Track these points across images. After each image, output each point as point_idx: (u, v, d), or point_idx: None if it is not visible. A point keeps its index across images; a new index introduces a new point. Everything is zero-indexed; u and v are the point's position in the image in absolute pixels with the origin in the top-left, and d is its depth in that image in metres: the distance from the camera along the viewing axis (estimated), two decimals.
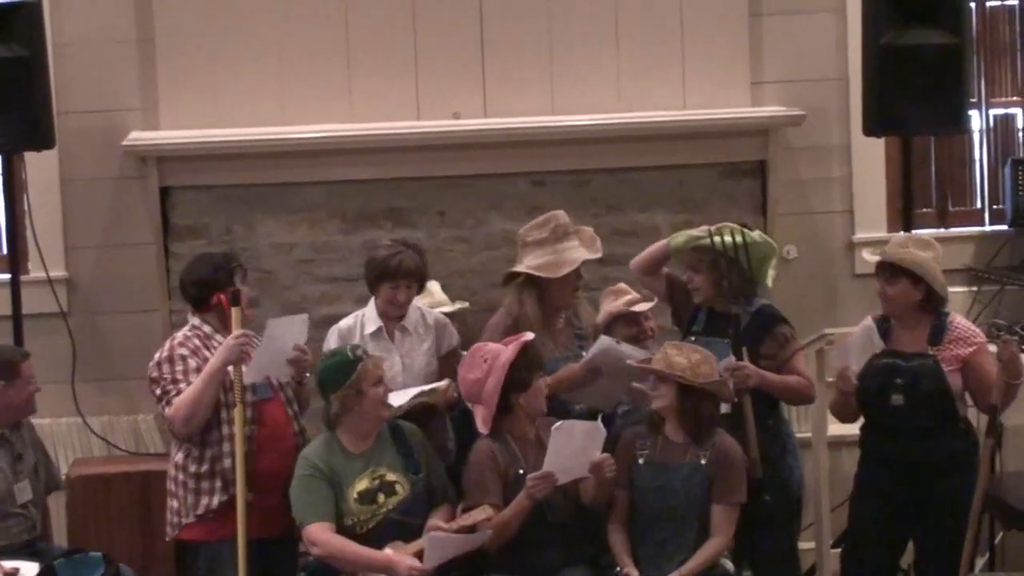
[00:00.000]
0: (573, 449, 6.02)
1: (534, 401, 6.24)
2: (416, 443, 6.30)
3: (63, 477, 7.36)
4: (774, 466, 6.44)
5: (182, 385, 6.29)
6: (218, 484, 6.32)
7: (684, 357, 6.16)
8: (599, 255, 6.74)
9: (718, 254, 6.44)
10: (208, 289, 6.40)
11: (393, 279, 6.58)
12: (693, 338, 6.46)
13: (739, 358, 6.32)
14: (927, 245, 6.49)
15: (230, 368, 6.23)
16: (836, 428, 7.32)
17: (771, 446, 6.46)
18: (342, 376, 6.12)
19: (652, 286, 6.80)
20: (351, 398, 6.13)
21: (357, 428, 6.19)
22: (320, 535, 6.05)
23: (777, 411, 6.58)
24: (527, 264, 6.60)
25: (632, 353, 6.44)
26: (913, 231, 7.46)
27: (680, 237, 6.57)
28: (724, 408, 6.31)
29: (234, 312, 6.27)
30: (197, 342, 6.39)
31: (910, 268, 6.35)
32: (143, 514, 7.28)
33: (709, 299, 6.54)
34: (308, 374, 6.43)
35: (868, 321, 6.53)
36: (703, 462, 6.17)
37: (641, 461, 6.22)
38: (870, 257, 6.51)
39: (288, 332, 6.35)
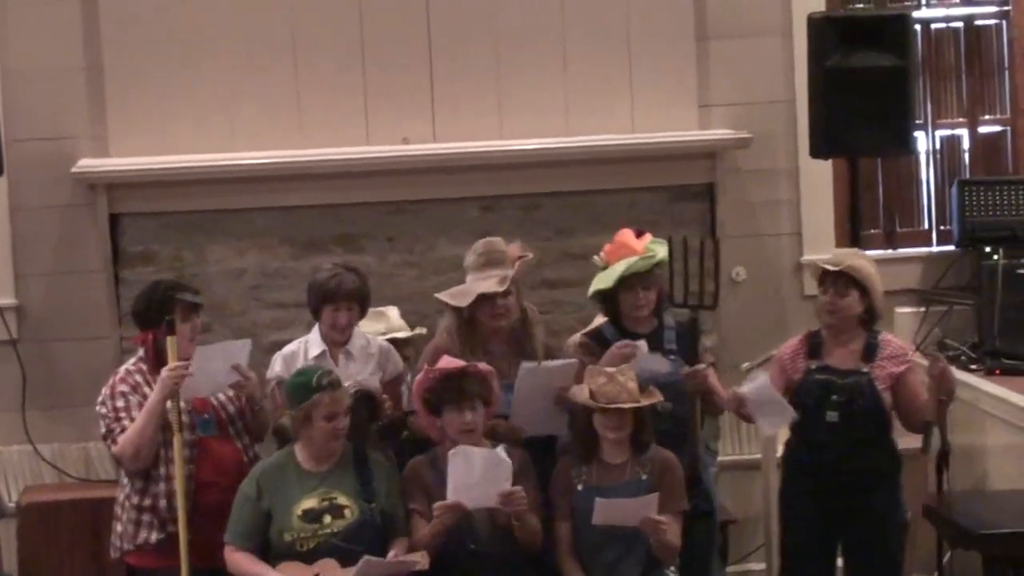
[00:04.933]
0: (476, 478, 5.98)
1: (447, 428, 6.19)
2: (380, 472, 6.25)
3: (12, 505, 7.34)
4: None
5: (125, 422, 6.25)
6: (156, 522, 6.29)
7: (623, 381, 6.14)
8: (503, 288, 6.47)
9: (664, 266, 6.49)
10: (142, 324, 6.36)
11: (334, 301, 6.56)
12: (672, 357, 6.46)
13: (692, 363, 6.37)
14: (871, 260, 6.55)
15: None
16: None
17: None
18: (298, 398, 6.10)
19: None
20: (299, 422, 6.12)
21: (310, 449, 6.17)
22: (226, 553, 6.13)
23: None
24: (442, 292, 6.60)
25: (557, 368, 6.38)
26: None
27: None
28: (665, 407, 6.29)
29: (169, 342, 6.20)
30: (139, 377, 6.35)
31: (863, 281, 6.39)
32: (94, 541, 7.24)
33: (652, 312, 6.55)
34: (263, 399, 6.43)
35: (763, 380, 6.39)
36: (644, 477, 6.17)
37: (580, 487, 6.20)
38: (826, 265, 6.44)
39: (220, 357, 6.31)
